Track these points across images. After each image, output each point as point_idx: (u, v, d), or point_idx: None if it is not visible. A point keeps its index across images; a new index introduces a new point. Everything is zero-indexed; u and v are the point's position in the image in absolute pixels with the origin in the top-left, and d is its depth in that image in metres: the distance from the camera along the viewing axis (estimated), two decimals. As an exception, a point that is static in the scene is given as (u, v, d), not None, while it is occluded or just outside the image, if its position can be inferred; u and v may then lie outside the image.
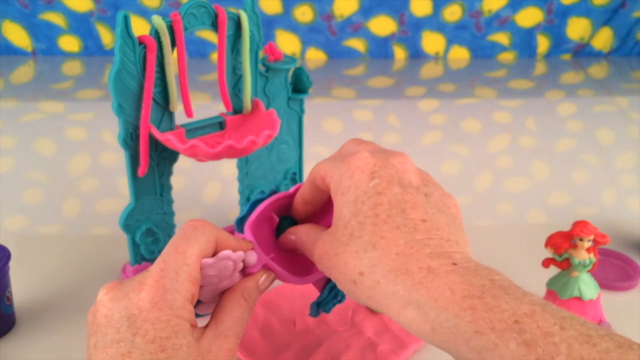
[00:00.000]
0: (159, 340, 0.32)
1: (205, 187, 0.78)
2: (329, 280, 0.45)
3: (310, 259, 0.39)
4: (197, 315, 0.36)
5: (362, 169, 0.36)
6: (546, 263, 0.52)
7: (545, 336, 0.27)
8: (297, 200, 0.43)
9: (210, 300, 0.38)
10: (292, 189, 0.45)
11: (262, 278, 0.40)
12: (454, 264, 0.32)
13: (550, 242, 0.51)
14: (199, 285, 0.36)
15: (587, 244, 0.50)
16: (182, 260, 0.35)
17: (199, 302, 0.38)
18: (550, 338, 0.27)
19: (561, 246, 0.50)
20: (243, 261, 0.39)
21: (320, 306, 0.45)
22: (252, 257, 0.40)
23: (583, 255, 0.50)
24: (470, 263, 0.32)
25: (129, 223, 0.54)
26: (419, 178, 0.36)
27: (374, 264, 0.32)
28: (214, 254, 0.37)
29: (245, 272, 0.40)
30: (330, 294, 0.45)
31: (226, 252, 0.37)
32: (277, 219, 0.44)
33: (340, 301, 0.46)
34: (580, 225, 0.49)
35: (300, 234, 0.41)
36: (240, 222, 0.44)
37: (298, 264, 0.43)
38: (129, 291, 0.34)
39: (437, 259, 0.32)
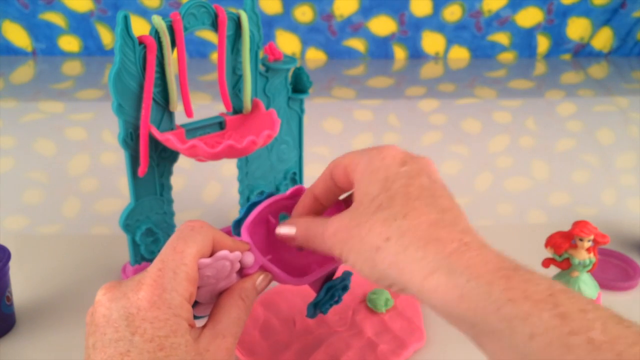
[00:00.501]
0: (158, 339, 0.32)
1: (205, 187, 0.78)
2: (325, 281, 0.45)
3: (316, 243, 0.38)
4: (195, 317, 0.36)
5: (394, 156, 0.37)
6: (546, 263, 0.52)
7: (580, 312, 0.27)
8: (306, 196, 0.43)
9: (207, 302, 0.39)
10: (288, 192, 0.45)
11: (260, 279, 0.40)
12: (485, 244, 0.32)
13: (550, 242, 0.51)
14: (197, 285, 0.36)
15: (587, 244, 0.50)
16: (180, 260, 0.35)
17: (196, 304, 0.38)
18: (584, 314, 0.27)
19: (561, 246, 0.50)
20: (240, 262, 0.39)
21: (317, 307, 0.45)
22: (250, 258, 0.40)
23: (583, 255, 0.50)
24: (497, 250, 0.32)
25: (129, 223, 0.54)
26: (442, 181, 0.38)
27: (404, 230, 0.33)
28: (212, 255, 0.37)
29: (242, 273, 0.40)
30: (326, 295, 0.45)
31: (223, 253, 0.37)
32: (274, 222, 0.45)
33: (337, 302, 0.47)
34: (580, 225, 0.50)
35: (303, 221, 0.40)
36: (237, 224, 0.44)
37: (295, 265, 0.43)
38: (127, 291, 0.34)
39: (469, 236, 0.32)
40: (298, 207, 0.43)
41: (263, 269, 0.41)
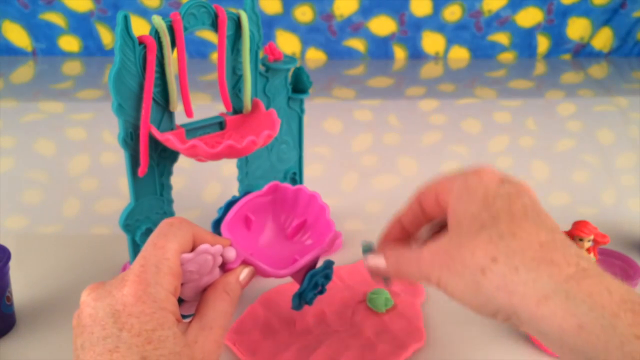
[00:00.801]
0: (145, 333, 0.32)
1: (205, 187, 0.78)
2: (308, 271, 0.45)
3: (410, 271, 0.36)
4: (182, 317, 0.36)
5: (491, 176, 0.35)
6: None
7: None
8: (393, 226, 0.41)
9: (192, 299, 0.39)
10: (265, 188, 0.46)
11: (243, 273, 0.40)
12: (602, 270, 0.29)
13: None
14: (181, 280, 0.37)
15: (587, 244, 0.50)
16: (161, 255, 0.35)
17: (182, 302, 0.39)
18: None
19: None
20: (222, 257, 0.40)
21: (302, 298, 0.45)
22: (231, 253, 0.40)
23: None
24: (617, 279, 0.29)
25: (129, 223, 0.54)
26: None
27: (513, 250, 0.30)
28: (193, 250, 0.38)
29: (225, 268, 0.41)
30: (310, 283, 0.45)
31: (205, 246, 0.38)
32: (252, 219, 0.45)
33: (321, 292, 0.47)
34: (580, 226, 0.50)
35: (393, 251, 0.38)
36: (217, 224, 0.45)
37: (276, 259, 0.44)
38: (111, 289, 0.34)
39: (586, 260, 0.29)
40: (385, 237, 0.42)
41: (245, 263, 0.41)
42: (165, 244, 0.36)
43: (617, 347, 0.26)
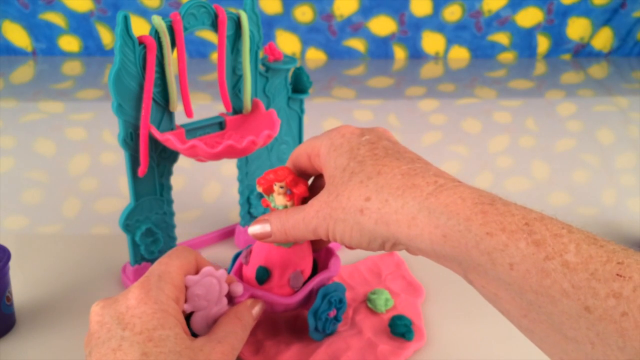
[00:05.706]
0: (147, 332, 0.34)
1: (205, 187, 0.78)
2: (317, 291, 0.46)
3: (297, 230, 0.39)
4: None
5: (352, 131, 0.39)
6: (263, 202, 0.46)
7: (555, 237, 0.27)
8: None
9: (204, 333, 0.40)
10: None
11: (255, 307, 0.42)
12: (460, 182, 0.33)
13: (261, 182, 0.44)
14: (183, 292, 0.39)
15: (280, 190, 0.44)
16: (164, 268, 0.38)
17: (194, 337, 0.40)
18: (559, 239, 0.27)
19: (268, 189, 0.44)
20: (230, 291, 0.42)
21: (316, 316, 0.47)
22: (239, 288, 0.42)
23: (281, 200, 0.44)
24: (472, 186, 0.33)
25: (129, 223, 0.54)
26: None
27: (381, 185, 0.33)
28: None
29: (234, 302, 0.42)
30: (323, 301, 0.46)
31: (209, 268, 0.40)
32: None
33: (336, 319, 0.48)
34: (275, 171, 0.44)
35: (276, 215, 0.40)
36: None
37: (281, 295, 0.45)
38: (118, 297, 0.37)
39: (443, 178, 0.33)
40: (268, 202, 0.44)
41: (253, 296, 0.44)
42: (168, 261, 0.39)
43: (474, 246, 0.29)
